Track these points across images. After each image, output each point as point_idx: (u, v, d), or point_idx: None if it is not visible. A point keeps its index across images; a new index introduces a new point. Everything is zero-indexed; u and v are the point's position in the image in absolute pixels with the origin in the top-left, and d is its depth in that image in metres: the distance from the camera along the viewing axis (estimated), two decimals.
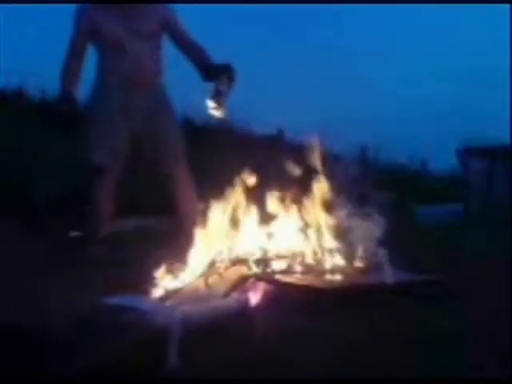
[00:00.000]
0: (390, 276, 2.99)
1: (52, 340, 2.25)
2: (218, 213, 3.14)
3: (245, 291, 2.80)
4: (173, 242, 3.31)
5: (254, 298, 2.78)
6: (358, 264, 3.16)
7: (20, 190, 5.12)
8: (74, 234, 4.41)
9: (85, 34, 4.10)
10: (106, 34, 4.07)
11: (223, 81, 3.95)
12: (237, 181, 3.21)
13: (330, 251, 3.21)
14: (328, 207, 3.27)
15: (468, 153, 8.51)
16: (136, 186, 5.42)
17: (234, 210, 3.18)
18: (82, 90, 4.19)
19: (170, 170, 4.15)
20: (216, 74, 4.01)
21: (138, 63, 4.08)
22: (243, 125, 9.84)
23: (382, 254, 3.07)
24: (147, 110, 4.13)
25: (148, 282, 2.84)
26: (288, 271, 3.03)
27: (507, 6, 9.05)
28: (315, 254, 3.17)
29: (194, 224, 3.27)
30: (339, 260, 3.18)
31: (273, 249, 3.13)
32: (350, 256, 3.19)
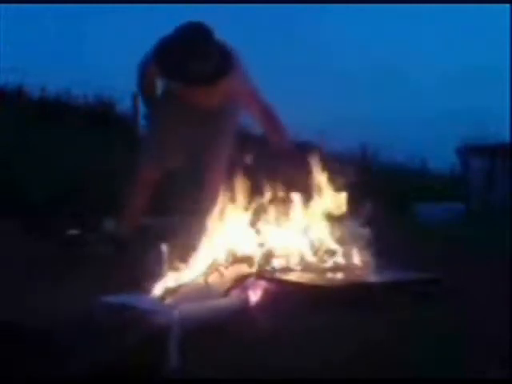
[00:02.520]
0: (389, 275, 2.99)
1: (51, 339, 2.25)
2: (217, 212, 3.14)
3: (245, 290, 2.80)
4: (173, 241, 3.31)
5: (255, 296, 2.78)
6: (358, 263, 3.16)
7: (20, 189, 5.12)
8: (73, 232, 4.41)
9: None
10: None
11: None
12: (236, 181, 3.21)
13: (331, 250, 3.21)
14: (328, 207, 3.27)
15: (468, 151, 8.53)
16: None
17: (234, 210, 3.18)
18: None
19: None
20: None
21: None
22: (243, 125, 9.84)
23: (382, 253, 3.08)
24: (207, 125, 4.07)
25: (148, 281, 2.84)
26: (288, 269, 3.03)
27: (507, 5, 9.06)
28: (315, 252, 3.17)
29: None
30: (339, 259, 3.18)
31: (273, 247, 3.13)
32: (350, 255, 3.19)
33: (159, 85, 4.15)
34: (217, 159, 4.12)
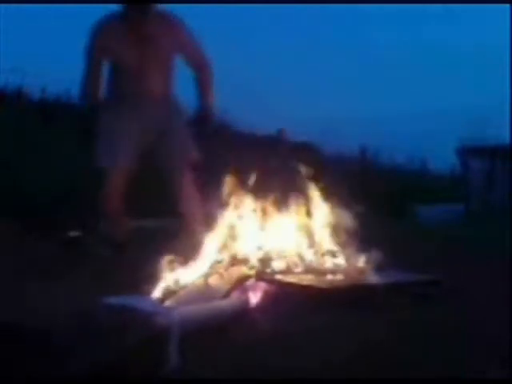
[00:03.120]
0: (389, 276, 2.99)
1: (52, 340, 2.25)
2: (217, 213, 3.14)
3: (245, 291, 2.80)
4: (173, 242, 3.31)
5: (255, 297, 2.78)
6: (358, 264, 3.16)
7: (20, 189, 5.12)
8: (73, 233, 4.41)
9: (99, 56, 4.15)
10: (122, 60, 4.11)
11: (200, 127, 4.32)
12: (236, 181, 3.21)
13: (330, 251, 3.21)
14: (327, 207, 3.27)
15: (468, 152, 8.52)
16: (136, 187, 5.41)
17: (235, 210, 3.18)
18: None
19: (174, 178, 4.19)
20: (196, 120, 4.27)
21: (153, 86, 4.14)
22: (243, 125, 9.85)
23: (382, 254, 3.08)
24: (159, 120, 4.18)
25: (148, 281, 2.84)
26: (288, 271, 3.02)
27: (507, 6, 9.06)
28: (315, 254, 3.17)
29: (197, 224, 3.27)
30: (339, 260, 3.18)
31: (273, 249, 3.13)
32: (350, 256, 3.19)
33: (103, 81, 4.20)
34: (181, 158, 4.22)
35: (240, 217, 3.18)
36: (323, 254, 3.19)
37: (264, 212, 3.23)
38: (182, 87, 4.44)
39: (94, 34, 4.13)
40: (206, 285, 2.83)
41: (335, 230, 3.25)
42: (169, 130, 4.19)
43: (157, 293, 2.77)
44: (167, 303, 2.66)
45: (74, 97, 9.57)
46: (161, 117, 4.19)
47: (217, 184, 3.23)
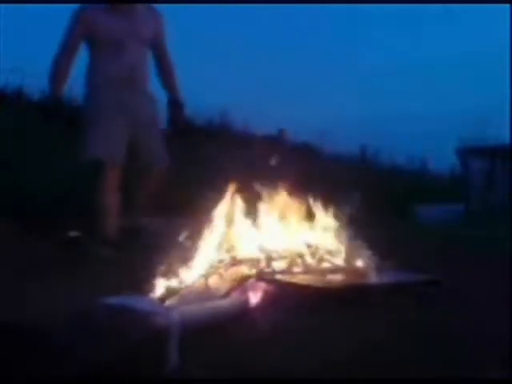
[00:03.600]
0: (389, 276, 2.99)
1: (51, 340, 2.25)
2: (217, 213, 3.14)
3: (245, 291, 2.79)
4: (173, 242, 3.31)
5: (254, 298, 2.78)
6: (358, 264, 3.16)
7: (20, 190, 5.12)
8: (73, 233, 4.41)
9: (81, 33, 4.19)
10: (105, 33, 4.16)
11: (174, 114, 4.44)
12: (236, 181, 3.21)
13: (330, 251, 3.21)
14: (327, 208, 3.27)
15: (468, 152, 8.53)
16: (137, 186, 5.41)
17: (235, 210, 3.18)
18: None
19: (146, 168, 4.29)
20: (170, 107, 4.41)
21: (133, 64, 4.22)
22: (243, 124, 9.86)
23: (382, 254, 3.08)
24: (138, 109, 4.25)
25: (148, 281, 2.84)
26: (288, 271, 3.02)
27: (507, 5, 9.06)
28: (315, 254, 3.17)
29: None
30: (339, 260, 3.18)
31: (273, 249, 3.13)
32: (350, 256, 3.19)
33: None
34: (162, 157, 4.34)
35: (240, 217, 3.18)
36: (323, 254, 3.19)
37: (264, 212, 3.24)
38: None
39: (74, 19, 4.19)
40: (206, 285, 2.83)
41: (335, 229, 3.25)
42: (150, 124, 4.29)
43: (157, 293, 2.77)
44: (167, 303, 2.66)
45: (74, 97, 9.59)
46: (144, 108, 4.29)
47: (217, 184, 3.23)
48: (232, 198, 3.17)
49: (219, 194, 3.18)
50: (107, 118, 4.17)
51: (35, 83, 9.01)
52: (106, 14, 4.16)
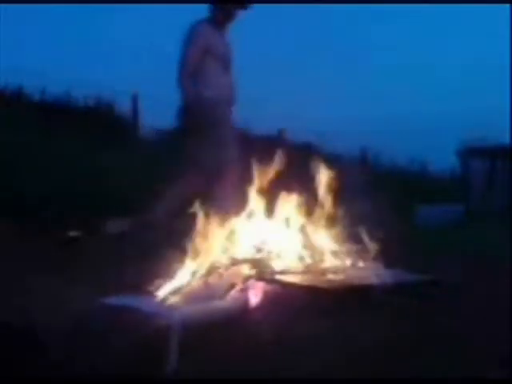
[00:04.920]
0: (390, 276, 2.99)
1: (52, 340, 2.25)
2: (218, 214, 3.14)
3: (245, 291, 2.79)
4: (172, 242, 3.31)
5: (254, 298, 2.78)
6: (358, 264, 3.16)
7: (20, 190, 5.12)
8: (73, 233, 4.41)
9: (202, 47, 4.34)
10: (218, 49, 4.38)
11: None
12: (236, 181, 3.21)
13: (330, 251, 3.21)
14: (328, 208, 3.27)
15: (468, 153, 8.53)
16: (135, 186, 5.41)
17: (235, 211, 3.18)
18: None
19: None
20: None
21: (233, 82, 4.46)
22: (244, 124, 9.84)
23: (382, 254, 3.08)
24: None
25: (148, 281, 2.84)
26: (288, 271, 3.02)
27: (507, 5, 9.07)
28: (315, 254, 3.17)
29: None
30: (339, 260, 3.18)
31: (273, 249, 3.13)
32: (350, 256, 3.19)
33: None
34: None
35: (240, 217, 3.18)
36: (323, 254, 3.19)
37: (264, 212, 3.24)
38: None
39: (197, 24, 4.37)
40: (206, 285, 2.83)
41: (335, 230, 3.25)
42: None
43: (157, 293, 2.77)
44: (168, 303, 2.66)
45: (73, 98, 9.60)
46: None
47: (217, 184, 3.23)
48: (232, 198, 3.17)
49: (219, 194, 3.18)
50: (227, 135, 4.42)
51: (35, 83, 9.02)
52: (216, 30, 4.37)
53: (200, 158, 4.33)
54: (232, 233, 3.13)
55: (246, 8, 4.42)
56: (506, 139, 7.99)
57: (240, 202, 3.21)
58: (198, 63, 4.30)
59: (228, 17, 4.39)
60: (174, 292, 2.76)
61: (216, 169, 4.29)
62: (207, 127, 4.33)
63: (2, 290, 2.93)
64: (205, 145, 4.32)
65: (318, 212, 3.29)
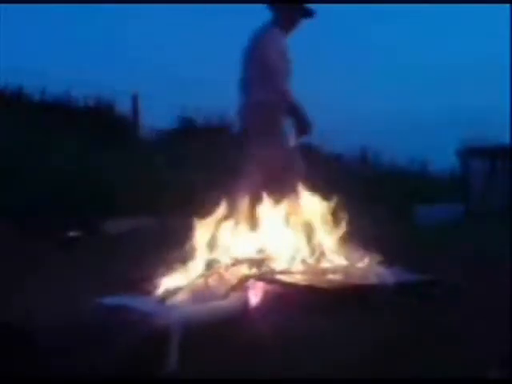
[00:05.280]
0: (390, 276, 2.99)
1: (51, 340, 2.25)
2: (218, 214, 3.14)
3: (245, 291, 2.79)
4: (172, 242, 3.31)
5: (254, 298, 2.78)
6: (359, 264, 3.16)
7: (20, 190, 5.12)
8: (73, 233, 4.42)
9: (279, 50, 4.42)
10: (287, 54, 4.45)
11: None
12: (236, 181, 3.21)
13: (330, 251, 3.21)
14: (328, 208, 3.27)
15: (468, 153, 8.52)
16: (137, 186, 5.42)
17: (235, 211, 3.18)
18: None
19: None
20: None
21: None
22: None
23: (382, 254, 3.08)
24: None
25: (148, 281, 2.84)
26: (288, 271, 3.02)
27: (507, 5, 9.06)
28: (315, 254, 3.17)
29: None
30: (339, 260, 3.18)
31: (272, 249, 3.13)
32: (350, 256, 3.19)
33: None
34: None
35: (240, 217, 3.18)
36: (323, 254, 3.18)
37: (264, 213, 3.23)
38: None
39: (270, 29, 4.44)
40: (206, 285, 2.83)
41: (335, 230, 3.25)
42: None
43: (157, 293, 2.77)
44: (167, 303, 2.66)
45: (73, 98, 9.60)
46: None
47: (214, 183, 3.23)
48: (232, 199, 3.17)
49: (219, 194, 3.18)
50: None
51: (35, 83, 9.02)
52: (284, 35, 4.45)
53: (264, 157, 4.38)
54: (232, 233, 3.14)
55: (311, 16, 4.55)
56: (506, 139, 7.99)
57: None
58: (275, 68, 4.39)
59: (294, 25, 4.52)
60: (174, 292, 2.76)
61: (279, 169, 4.35)
62: (274, 128, 4.43)
63: (1, 289, 2.93)
64: (270, 144, 4.40)
65: (318, 212, 3.29)
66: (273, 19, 4.48)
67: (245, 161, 4.40)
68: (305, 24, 4.58)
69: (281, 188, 3.99)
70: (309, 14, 4.54)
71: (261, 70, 4.37)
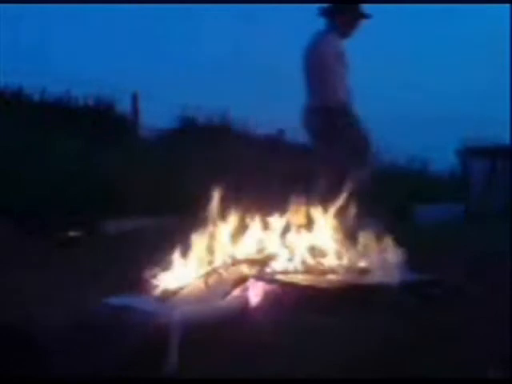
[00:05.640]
0: (390, 276, 2.98)
1: (52, 341, 2.25)
2: (218, 213, 3.14)
3: (245, 291, 2.79)
4: (172, 242, 3.31)
5: (255, 297, 2.78)
6: (359, 264, 3.15)
7: (20, 190, 5.12)
8: (73, 233, 4.42)
9: (336, 54, 4.73)
10: (346, 56, 4.76)
11: None
12: (236, 181, 3.20)
13: (330, 251, 3.20)
14: (328, 208, 3.27)
15: (469, 153, 8.53)
16: (137, 186, 5.42)
17: (235, 211, 3.18)
18: None
19: None
20: None
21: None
22: (243, 124, 9.85)
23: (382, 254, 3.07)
24: None
25: (148, 282, 2.84)
26: (288, 271, 3.02)
27: (507, 5, 9.06)
28: (315, 254, 3.17)
29: None
30: (339, 260, 3.18)
31: (272, 249, 3.13)
32: (350, 256, 3.19)
33: None
34: None
35: (240, 217, 3.17)
36: (323, 254, 3.18)
37: (264, 213, 3.23)
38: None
39: (328, 33, 4.77)
40: (206, 285, 2.83)
41: (335, 230, 3.25)
42: None
43: (157, 293, 2.77)
44: (167, 303, 2.66)
45: (73, 98, 9.61)
46: None
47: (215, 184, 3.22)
48: (232, 199, 3.17)
49: (219, 195, 3.18)
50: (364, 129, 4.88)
51: (35, 83, 9.02)
52: (341, 39, 4.78)
53: (334, 158, 4.63)
54: (232, 233, 3.13)
55: (368, 18, 4.84)
56: (506, 139, 7.99)
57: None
58: (334, 72, 4.67)
59: (353, 28, 4.81)
60: (174, 292, 2.76)
61: (349, 169, 4.50)
62: (342, 129, 4.68)
63: (1, 290, 2.93)
64: (340, 146, 4.66)
65: (317, 212, 3.29)
66: (330, 25, 4.76)
67: (313, 162, 4.68)
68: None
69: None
70: (365, 16, 4.81)
71: (319, 75, 4.67)
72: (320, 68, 4.71)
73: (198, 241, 3.08)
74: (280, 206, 3.26)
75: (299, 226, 3.26)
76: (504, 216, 6.20)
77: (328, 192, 3.74)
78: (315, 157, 4.83)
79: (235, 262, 2.98)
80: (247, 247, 3.12)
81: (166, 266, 2.92)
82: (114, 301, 2.61)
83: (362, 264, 3.14)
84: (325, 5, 4.86)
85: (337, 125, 4.69)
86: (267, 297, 2.80)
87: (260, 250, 3.11)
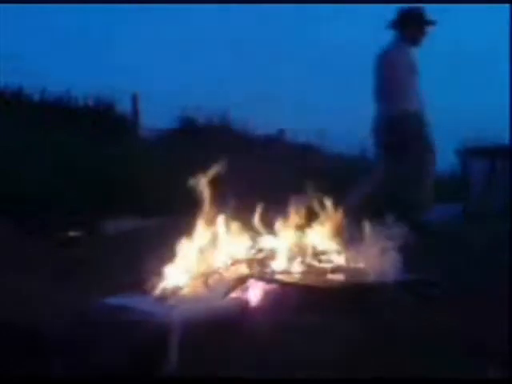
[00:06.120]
0: (389, 275, 2.99)
1: (51, 340, 2.25)
2: (218, 213, 3.14)
3: (245, 291, 2.79)
4: (172, 243, 3.31)
5: (254, 298, 2.78)
6: (358, 264, 3.15)
7: (20, 190, 5.12)
8: (73, 233, 4.42)
9: (407, 66, 4.98)
10: (417, 66, 4.98)
11: None
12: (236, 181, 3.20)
13: (330, 252, 3.20)
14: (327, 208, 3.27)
15: (468, 153, 8.52)
16: (137, 186, 5.42)
17: (234, 211, 3.18)
18: None
19: None
20: None
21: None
22: (243, 124, 9.85)
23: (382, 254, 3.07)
24: None
25: (148, 281, 2.84)
26: (288, 271, 3.02)
27: (507, 5, 9.05)
28: (315, 254, 3.17)
29: None
30: (339, 260, 3.18)
31: (272, 249, 3.13)
32: (350, 256, 3.19)
33: None
34: None
35: (240, 217, 3.18)
36: (323, 254, 3.18)
37: (264, 213, 3.23)
38: None
39: (402, 55, 5.01)
40: (206, 285, 2.83)
41: (335, 230, 3.25)
42: None
43: (157, 293, 2.77)
44: (167, 303, 2.66)
45: (73, 98, 9.60)
46: None
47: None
48: (233, 198, 3.17)
49: (219, 194, 3.18)
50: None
51: (35, 83, 9.02)
52: (412, 48, 5.01)
53: (404, 169, 4.88)
54: (232, 232, 3.13)
55: (434, 24, 5.15)
56: (506, 139, 7.98)
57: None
58: (406, 82, 4.87)
59: (422, 35, 5.06)
60: (174, 292, 2.76)
61: (417, 180, 4.88)
62: (414, 140, 4.91)
63: (1, 289, 2.93)
64: (410, 157, 4.90)
65: (318, 212, 3.29)
66: (399, 36, 4.99)
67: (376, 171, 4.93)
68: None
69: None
70: (431, 23, 5.10)
71: (390, 85, 4.87)
72: (393, 78, 4.89)
73: (198, 241, 3.08)
74: (280, 206, 3.26)
75: (299, 226, 3.26)
76: (504, 216, 6.20)
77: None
78: (379, 165, 4.98)
79: (235, 262, 2.98)
80: (247, 247, 3.12)
81: (165, 266, 2.92)
82: (114, 301, 2.61)
83: (362, 264, 3.14)
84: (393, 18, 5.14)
85: (409, 134, 4.87)
86: (267, 297, 2.80)
87: (260, 250, 3.11)
